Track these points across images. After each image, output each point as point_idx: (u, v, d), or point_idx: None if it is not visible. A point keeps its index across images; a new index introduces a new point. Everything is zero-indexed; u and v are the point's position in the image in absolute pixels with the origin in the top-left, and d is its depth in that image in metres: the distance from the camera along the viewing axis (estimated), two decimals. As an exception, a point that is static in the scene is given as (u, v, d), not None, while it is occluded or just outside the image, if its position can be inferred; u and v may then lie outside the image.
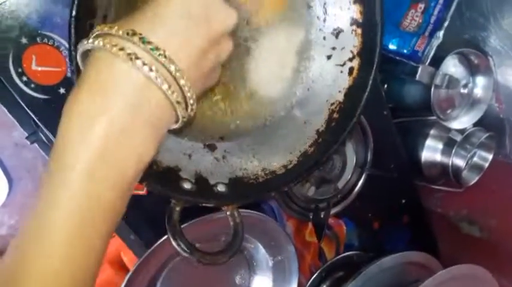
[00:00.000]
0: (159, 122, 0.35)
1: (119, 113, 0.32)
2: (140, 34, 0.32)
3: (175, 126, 0.37)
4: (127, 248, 0.67)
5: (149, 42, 0.32)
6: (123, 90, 0.32)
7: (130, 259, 0.73)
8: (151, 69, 0.32)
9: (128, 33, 0.32)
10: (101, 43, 0.32)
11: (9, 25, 0.51)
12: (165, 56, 0.33)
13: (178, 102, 0.35)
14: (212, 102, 0.55)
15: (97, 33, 0.33)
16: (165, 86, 0.33)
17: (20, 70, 0.52)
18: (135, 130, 0.33)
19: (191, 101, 0.36)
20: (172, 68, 0.33)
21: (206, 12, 0.37)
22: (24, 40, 0.52)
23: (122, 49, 0.32)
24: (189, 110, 0.36)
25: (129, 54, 0.32)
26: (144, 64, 0.32)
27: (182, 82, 0.34)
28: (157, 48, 0.33)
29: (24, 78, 0.52)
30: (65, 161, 0.32)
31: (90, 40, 0.33)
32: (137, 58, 0.32)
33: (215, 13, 0.37)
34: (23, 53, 0.52)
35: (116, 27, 0.33)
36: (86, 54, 0.35)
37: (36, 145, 0.61)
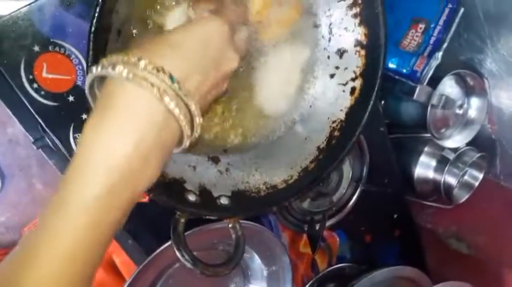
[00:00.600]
0: (169, 147, 0.38)
1: (143, 138, 0.34)
2: (170, 73, 0.35)
3: (177, 151, 0.40)
4: (119, 250, 0.68)
5: (177, 82, 0.35)
6: (147, 119, 0.34)
7: (122, 261, 0.74)
8: (176, 106, 0.35)
9: (157, 70, 0.34)
10: (130, 75, 0.34)
11: (23, 33, 0.52)
12: (187, 95, 0.36)
13: (188, 136, 0.38)
14: (218, 116, 0.56)
15: (121, 60, 0.35)
16: (183, 123, 0.36)
17: (31, 77, 0.53)
18: (152, 154, 0.35)
19: (196, 134, 0.39)
20: (193, 107, 0.37)
21: (219, 55, 0.41)
22: (36, 48, 0.53)
23: (152, 85, 0.34)
24: (192, 139, 0.39)
25: (158, 90, 0.34)
26: (170, 101, 0.35)
27: (197, 119, 0.38)
28: (182, 88, 0.36)
29: (35, 85, 0.53)
30: (83, 178, 0.33)
31: (117, 69, 0.34)
32: (166, 95, 0.34)
33: (224, 56, 0.42)
34: (35, 61, 0.53)
35: (145, 62, 0.34)
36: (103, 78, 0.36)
37: (30, 143, 0.62)
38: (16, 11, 0.51)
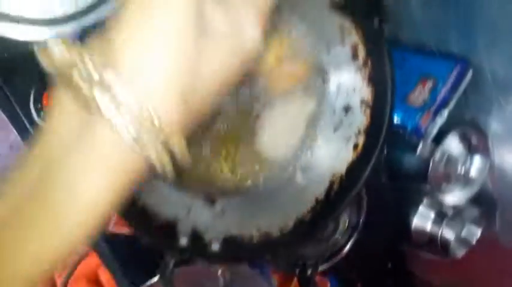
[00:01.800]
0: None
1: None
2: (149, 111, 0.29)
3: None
4: (104, 268, 0.68)
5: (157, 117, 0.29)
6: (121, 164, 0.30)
7: (107, 280, 0.73)
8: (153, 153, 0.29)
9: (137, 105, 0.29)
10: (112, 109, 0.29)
11: (36, 63, 0.53)
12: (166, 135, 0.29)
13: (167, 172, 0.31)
14: (216, 160, 0.57)
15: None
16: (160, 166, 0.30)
17: (39, 106, 0.54)
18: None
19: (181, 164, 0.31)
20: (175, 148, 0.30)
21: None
22: (47, 79, 0.53)
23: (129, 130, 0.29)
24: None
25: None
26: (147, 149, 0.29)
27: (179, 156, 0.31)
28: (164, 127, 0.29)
29: (42, 114, 0.54)
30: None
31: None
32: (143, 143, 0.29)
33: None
34: (45, 91, 0.53)
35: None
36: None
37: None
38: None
